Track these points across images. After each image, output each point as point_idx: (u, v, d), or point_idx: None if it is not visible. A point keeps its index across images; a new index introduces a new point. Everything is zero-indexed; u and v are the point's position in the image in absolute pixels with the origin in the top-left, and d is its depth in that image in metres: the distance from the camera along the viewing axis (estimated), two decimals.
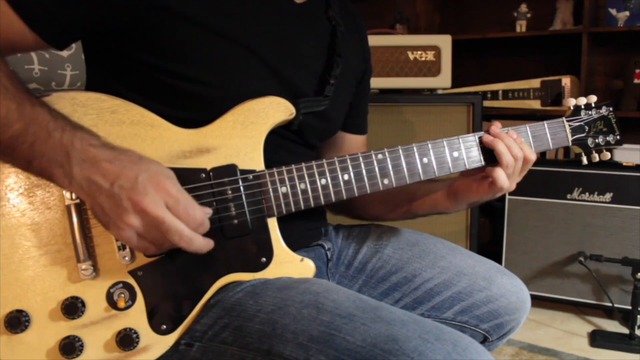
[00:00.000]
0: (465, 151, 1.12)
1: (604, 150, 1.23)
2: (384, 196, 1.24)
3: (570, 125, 1.20)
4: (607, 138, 1.22)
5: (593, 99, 1.22)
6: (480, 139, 1.13)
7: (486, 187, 1.14)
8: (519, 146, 1.12)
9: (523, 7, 3.24)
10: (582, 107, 1.21)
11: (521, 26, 3.25)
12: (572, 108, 1.21)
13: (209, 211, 0.93)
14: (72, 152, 0.86)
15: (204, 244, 0.92)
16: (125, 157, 0.87)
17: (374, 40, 2.39)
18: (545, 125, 1.18)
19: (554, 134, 1.18)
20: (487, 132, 1.13)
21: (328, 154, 1.33)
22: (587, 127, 1.21)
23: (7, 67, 0.90)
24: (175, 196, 0.87)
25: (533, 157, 1.14)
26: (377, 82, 2.38)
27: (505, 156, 1.10)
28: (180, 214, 0.87)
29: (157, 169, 0.88)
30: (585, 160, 1.23)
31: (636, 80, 2.88)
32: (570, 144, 1.20)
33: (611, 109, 1.23)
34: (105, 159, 0.86)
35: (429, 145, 1.10)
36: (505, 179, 1.11)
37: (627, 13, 2.94)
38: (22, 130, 0.86)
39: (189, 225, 0.89)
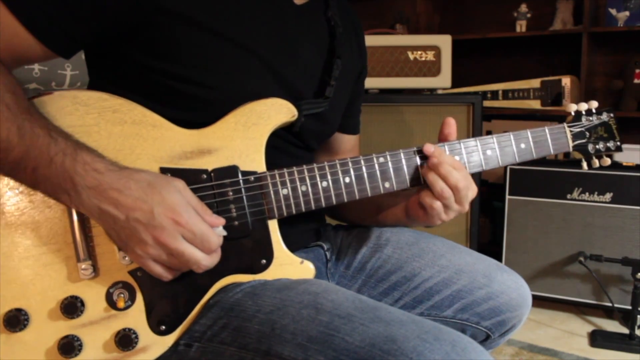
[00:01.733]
0: (466, 156, 1.12)
1: (604, 156, 1.23)
2: (356, 204, 1.21)
3: (571, 131, 1.20)
4: (608, 144, 1.22)
5: (594, 104, 1.22)
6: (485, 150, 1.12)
7: (426, 215, 1.11)
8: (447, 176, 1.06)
9: (523, 7, 3.24)
10: (583, 112, 1.21)
11: (521, 26, 3.25)
12: (573, 114, 1.21)
13: (222, 222, 0.95)
14: (76, 178, 0.86)
15: (217, 260, 0.95)
16: (135, 184, 0.88)
17: (374, 40, 2.39)
18: (547, 130, 1.18)
19: (555, 140, 1.18)
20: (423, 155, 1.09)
21: (321, 154, 1.33)
22: (587, 133, 1.21)
23: (11, 80, 0.89)
24: (191, 229, 0.89)
25: (461, 183, 1.06)
26: (377, 82, 2.39)
27: (437, 187, 1.06)
28: (197, 244, 0.90)
29: (172, 200, 0.88)
30: (585, 166, 1.23)
31: (636, 80, 2.88)
32: (571, 149, 1.20)
33: (612, 115, 1.23)
34: (113, 187, 0.87)
35: None
36: (433, 202, 1.06)
37: (627, 13, 2.94)
38: (23, 154, 0.86)
39: (206, 252, 0.91)
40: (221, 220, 0.94)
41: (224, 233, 0.95)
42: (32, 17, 0.91)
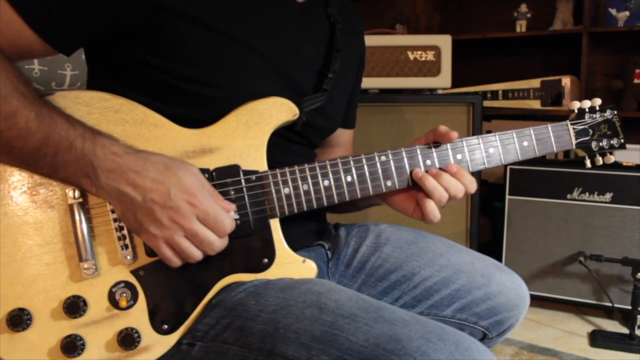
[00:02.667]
0: (468, 154, 1.12)
1: (608, 154, 1.22)
2: None
3: (574, 129, 1.19)
4: (611, 141, 1.22)
5: (597, 102, 1.21)
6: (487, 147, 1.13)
7: (418, 214, 1.13)
8: (459, 181, 1.09)
9: (523, 7, 3.24)
10: (587, 110, 1.21)
11: (521, 26, 3.25)
12: (576, 111, 1.21)
13: (233, 207, 0.96)
14: (95, 161, 0.88)
15: (226, 243, 0.96)
16: (152, 166, 0.89)
17: (374, 40, 2.39)
18: (550, 128, 1.17)
19: (558, 137, 1.18)
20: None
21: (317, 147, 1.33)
22: (591, 131, 1.20)
23: (21, 72, 0.90)
24: (205, 210, 0.90)
25: (473, 188, 1.10)
26: (377, 82, 2.38)
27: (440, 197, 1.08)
28: (210, 225, 0.91)
29: (187, 181, 0.90)
30: (589, 164, 1.22)
31: (636, 80, 2.88)
32: (574, 147, 1.20)
33: (615, 112, 1.22)
34: (132, 169, 0.88)
35: (432, 148, 1.10)
36: (437, 214, 1.10)
37: (627, 13, 2.94)
38: (43, 140, 0.87)
39: (219, 234, 0.92)
40: (232, 206, 0.96)
41: (236, 217, 0.97)
42: (33, 12, 0.91)
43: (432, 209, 1.09)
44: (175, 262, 0.92)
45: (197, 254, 0.93)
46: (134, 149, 0.91)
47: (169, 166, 0.90)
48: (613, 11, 2.98)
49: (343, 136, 1.39)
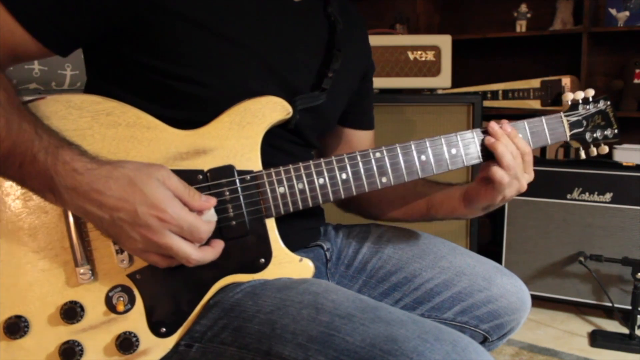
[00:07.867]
0: (463, 148, 1.11)
1: (602, 144, 1.22)
2: (402, 200, 1.25)
3: (568, 120, 1.19)
4: (605, 132, 1.21)
5: (591, 92, 1.21)
6: (481, 139, 1.11)
7: (492, 190, 1.11)
8: (513, 142, 1.09)
9: (523, 7, 3.24)
10: (580, 101, 1.20)
11: (521, 26, 3.25)
12: (569, 103, 1.20)
13: (214, 202, 0.94)
14: (56, 178, 0.85)
15: (213, 256, 0.94)
16: (115, 184, 0.86)
17: (374, 40, 2.38)
18: (543, 120, 1.17)
19: (552, 129, 1.17)
20: (485, 131, 1.11)
21: (338, 151, 1.33)
22: (585, 122, 1.20)
23: (3, 78, 0.89)
24: (178, 224, 0.87)
25: (528, 148, 1.11)
26: (377, 82, 2.36)
27: (506, 158, 1.07)
28: (186, 236, 0.89)
29: (154, 196, 0.87)
30: (583, 155, 1.22)
31: (636, 80, 2.88)
32: (568, 138, 1.20)
33: (609, 102, 1.21)
34: (94, 188, 0.85)
35: (427, 143, 1.09)
36: (504, 175, 1.07)
37: (627, 13, 2.95)
38: (9, 149, 0.85)
39: (196, 242, 0.90)
40: (211, 202, 0.93)
41: (215, 218, 0.94)
42: (26, 12, 0.91)
43: (498, 171, 1.07)
44: (162, 265, 0.91)
45: (174, 263, 0.92)
46: (97, 162, 0.87)
47: (133, 181, 0.86)
48: (613, 11, 2.98)
49: (366, 138, 1.39)
